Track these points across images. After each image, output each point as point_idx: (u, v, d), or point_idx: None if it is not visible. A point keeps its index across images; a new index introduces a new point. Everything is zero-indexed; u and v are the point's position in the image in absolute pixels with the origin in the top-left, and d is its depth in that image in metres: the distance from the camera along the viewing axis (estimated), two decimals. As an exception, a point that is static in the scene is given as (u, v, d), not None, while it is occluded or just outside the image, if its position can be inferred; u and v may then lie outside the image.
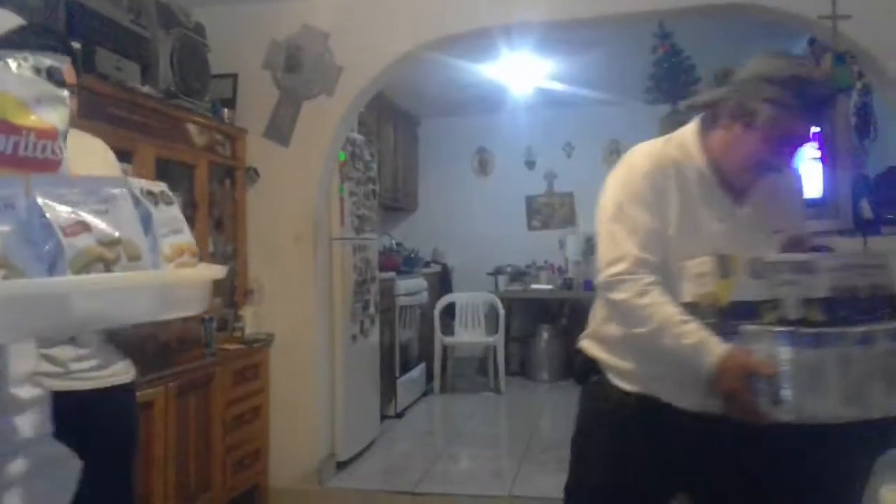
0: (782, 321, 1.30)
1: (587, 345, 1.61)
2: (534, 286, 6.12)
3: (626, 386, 1.52)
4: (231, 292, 3.33)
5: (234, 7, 3.38)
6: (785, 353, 1.24)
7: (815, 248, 1.52)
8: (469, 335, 5.72)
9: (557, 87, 5.26)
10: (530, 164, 6.66)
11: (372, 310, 4.04)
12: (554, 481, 3.48)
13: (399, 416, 4.65)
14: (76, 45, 2.28)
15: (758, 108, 1.35)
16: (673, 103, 3.45)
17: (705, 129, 1.47)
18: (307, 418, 3.42)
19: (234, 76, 3.41)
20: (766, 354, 1.25)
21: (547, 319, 6.14)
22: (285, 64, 3.39)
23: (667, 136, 1.51)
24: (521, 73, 5.03)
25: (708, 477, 1.50)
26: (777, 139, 1.36)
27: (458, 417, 4.95)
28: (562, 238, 6.40)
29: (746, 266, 1.33)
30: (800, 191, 1.61)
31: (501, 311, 5.57)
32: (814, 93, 1.33)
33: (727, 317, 1.30)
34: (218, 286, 3.10)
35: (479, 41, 3.60)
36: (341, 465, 3.61)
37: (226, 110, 3.33)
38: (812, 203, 3.11)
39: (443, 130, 6.55)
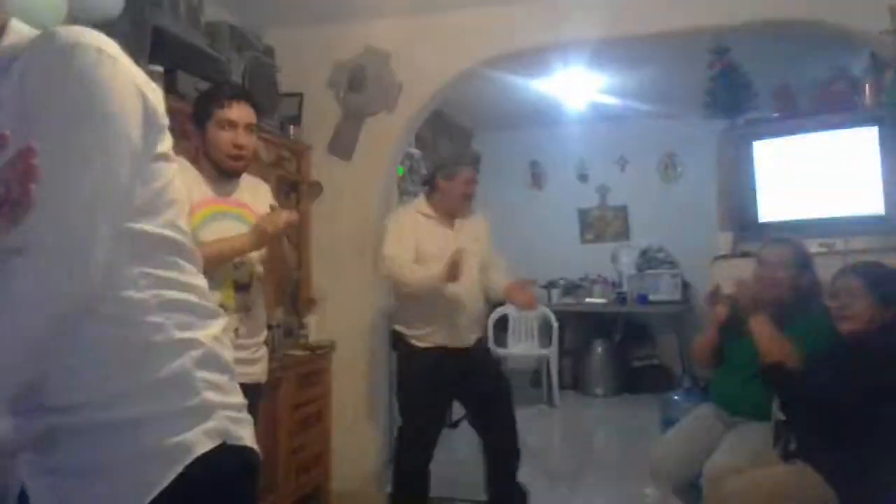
0: None
1: (396, 327, 2.93)
2: (587, 300, 6.12)
3: (419, 344, 2.83)
4: (294, 301, 3.47)
5: (301, 30, 3.55)
6: None
7: None
8: (522, 347, 5.74)
9: (610, 101, 5.29)
10: (583, 178, 6.67)
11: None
12: (611, 496, 3.54)
13: (454, 425, 4.70)
14: (159, 68, 2.46)
15: None
16: (731, 119, 3.43)
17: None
18: (367, 424, 3.53)
19: (301, 95, 3.58)
20: None
21: (601, 333, 6.10)
22: (348, 83, 3.54)
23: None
24: (575, 87, 5.08)
25: (467, 387, 2.90)
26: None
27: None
28: (615, 251, 6.39)
29: None
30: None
31: (555, 325, 5.58)
32: None
33: None
34: (283, 295, 3.24)
35: (533, 58, 3.67)
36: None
37: (292, 127, 3.49)
38: (873, 220, 3.08)
39: (496, 144, 6.56)
